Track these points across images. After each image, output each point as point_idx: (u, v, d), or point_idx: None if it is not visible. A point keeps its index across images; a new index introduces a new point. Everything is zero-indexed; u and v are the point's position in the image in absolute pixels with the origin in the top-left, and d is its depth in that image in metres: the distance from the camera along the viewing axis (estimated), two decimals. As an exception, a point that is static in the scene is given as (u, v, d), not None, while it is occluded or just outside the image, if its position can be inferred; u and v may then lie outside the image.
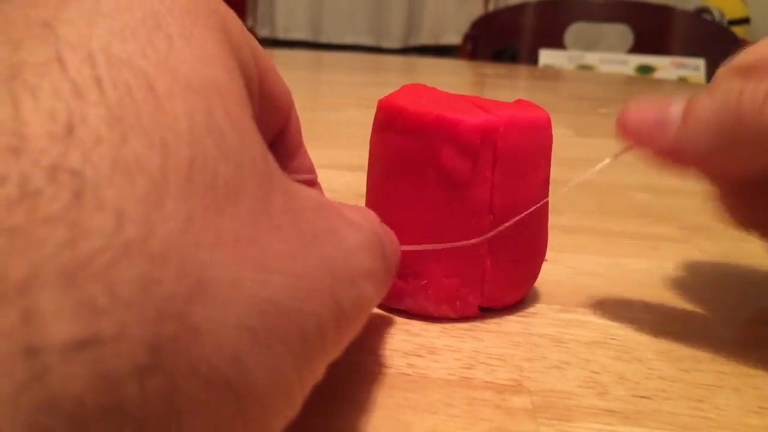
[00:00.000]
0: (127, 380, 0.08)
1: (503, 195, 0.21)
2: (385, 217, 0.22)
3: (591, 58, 1.36)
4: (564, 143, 0.41)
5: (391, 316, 0.22)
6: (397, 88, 0.23)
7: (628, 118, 0.20)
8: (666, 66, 1.29)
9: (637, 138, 0.20)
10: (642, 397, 0.18)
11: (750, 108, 0.19)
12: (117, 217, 0.08)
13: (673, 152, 0.20)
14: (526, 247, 0.22)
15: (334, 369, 0.19)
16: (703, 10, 1.85)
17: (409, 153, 0.21)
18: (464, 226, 0.21)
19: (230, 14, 0.14)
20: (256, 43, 0.15)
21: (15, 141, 0.08)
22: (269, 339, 0.10)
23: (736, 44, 1.27)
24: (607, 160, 0.22)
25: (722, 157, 0.20)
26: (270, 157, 0.12)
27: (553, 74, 1.11)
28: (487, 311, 0.22)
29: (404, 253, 0.21)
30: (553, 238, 0.29)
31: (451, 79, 0.92)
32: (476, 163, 0.20)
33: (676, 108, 0.20)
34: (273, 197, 0.11)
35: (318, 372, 0.12)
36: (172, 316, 0.08)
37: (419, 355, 0.19)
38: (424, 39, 2.49)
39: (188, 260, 0.09)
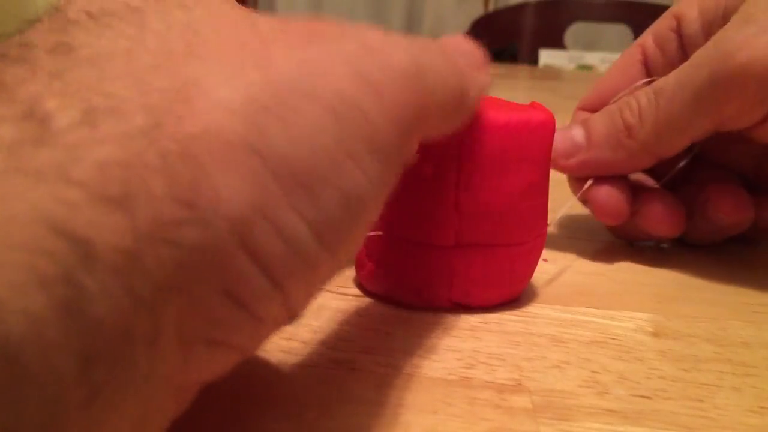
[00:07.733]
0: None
1: (471, 195, 0.21)
2: None
3: (591, 58, 1.36)
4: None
5: (390, 315, 0.22)
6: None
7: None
8: (666, 66, 1.28)
9: (558, 167, 0.27)
10: (642, 396, 0.18)
11: (630, 117, 0.26)
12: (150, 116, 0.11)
13: (586, 168, 0.27)
14: (503, 247, 0.22)
15: (333, 369, 0.19)
16: (703, 10, 1.84)
17: None
18: (432, 220, 0.21)
19: None
20: None
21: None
22: (282, 111, 0.12)
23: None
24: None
25: (623, 163, 0.26)
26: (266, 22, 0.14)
27: (553, 74, 1.11)
28: (472, 310, 0.22)
29: (379, 239, 0.22)
30: (553, 238, 0.29)
31: (451, 79, 0.92)
32: (441, 162, 0.20)
33: (578, 132, 0.27)
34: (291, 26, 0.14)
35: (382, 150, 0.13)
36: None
37: (419, 355, 0.19)
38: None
39: (179, 71, 0.11)
